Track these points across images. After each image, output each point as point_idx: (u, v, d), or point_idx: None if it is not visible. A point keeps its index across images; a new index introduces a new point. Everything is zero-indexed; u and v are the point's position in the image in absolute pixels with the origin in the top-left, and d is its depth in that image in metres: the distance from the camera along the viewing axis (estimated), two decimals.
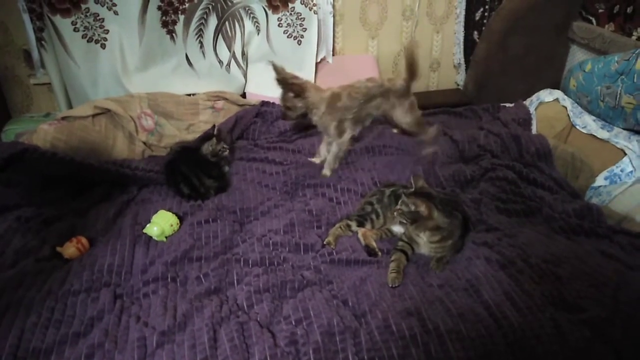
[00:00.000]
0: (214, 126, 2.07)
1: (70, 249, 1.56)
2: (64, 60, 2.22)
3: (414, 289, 1.42)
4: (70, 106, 2.36)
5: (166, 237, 1.65)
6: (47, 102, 2.51)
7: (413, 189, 1.59)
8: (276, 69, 1.80)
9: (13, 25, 2.30)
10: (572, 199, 1.81)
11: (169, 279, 1.47)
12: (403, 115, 2.00)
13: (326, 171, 1.97)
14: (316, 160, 2.05)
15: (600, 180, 1.86)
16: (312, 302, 1.36)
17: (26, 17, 2.18)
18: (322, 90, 1.87)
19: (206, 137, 2.02)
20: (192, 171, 1.84)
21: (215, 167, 1.95)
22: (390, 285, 1.44)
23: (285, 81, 1.80)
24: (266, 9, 2.40)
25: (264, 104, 2.41)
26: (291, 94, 1.82)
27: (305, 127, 2.17)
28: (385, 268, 1.51)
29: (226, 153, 2.02)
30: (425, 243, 1.56)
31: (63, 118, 1.99)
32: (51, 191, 1.79)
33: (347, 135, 1.93)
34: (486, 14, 2.73)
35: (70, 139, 1.92)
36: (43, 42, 2.22)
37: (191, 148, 1.98)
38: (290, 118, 1.91)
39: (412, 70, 1.93)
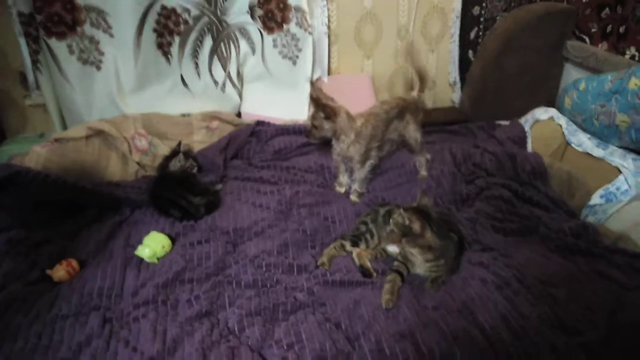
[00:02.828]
0: (179, 143, 2.07)
1: (59, 272, 1.54)
2: (59, 82, 2.23)
3: (409, 311, 1.39)
4: (65, 127, 2.36)
5: (158, 259, 1.63)
6: (41, 122, 2.51)
7: (415, 204, 1.57)
8: (313, 87, 1.80)
9: (9, 48, 2.30)
10: (568, 217, 1.79)
11: (160, 302, 1.45)
12: (414, 131, 2.02)
13: (355, 198, 1.96)
14: (340, 189, 2.02)
15: (596, 199, 1.84)
16: (305, 325, 1.34)
17: (22, 41, 2.19)
18: (353, 119, 1.84)
19: (172, 154, 2.03)
20: (176, 193, 1.83)
21: (197, 183, 1.94)
22: (384, 308, 1.41)
23: (319, 101, 1.77)
24: (261, 30, 2.42)
25: (259, 123, 2.41)
26: (322, 115, 1.79)
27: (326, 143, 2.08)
28: (379, 289, 1.49)
29: (195, 170, 2.01)
30: (420, 262, 1.54)
31: (56, 140, 1.99)
32: (42, 213, 1.77)
33: (368, 164, 1.94)
34: (480, 33, 2.75)
35: (63, 161, 1.92)
36: (38, 65, 2.23)
37: (165, 171, 1.99)
38: (314, 138, 1.87)
39: (421, 75, 2.00)
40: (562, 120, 2.21)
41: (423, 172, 2.09)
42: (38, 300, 1.43)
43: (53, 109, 2.32)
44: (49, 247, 1.65)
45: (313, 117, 1.81)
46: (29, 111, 2.49)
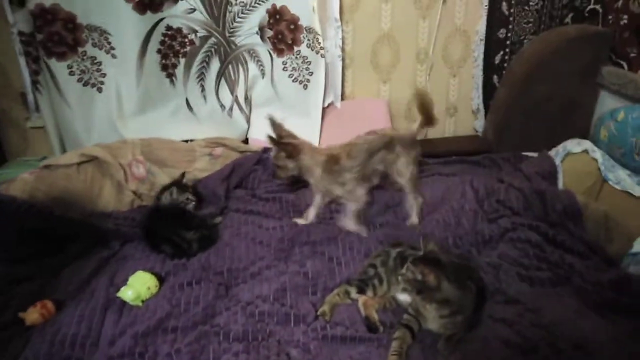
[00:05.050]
0: (182, 174, 1.97)
1: (33, 315, 1.40)
2: (59, 104, 2.15)
3: None
4: (65, 151, 2.26)
5: (142, 301, 1.48)
6: (43, 145, 2.42)
7: (421, 253, 1.39)
8: (274, 124, 1.73)
9: (11, 68, 2.24)
10: (607, 267, 1.57)
11: (137, 355, 1.29)
12: (405, 167, 1.85)
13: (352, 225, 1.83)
14: (302, 221, 1.89)
15: (639, 246, 1.61)
16: None
17: (22, 60, 2.12)
18: (318, 153, 1.77)
19: (172, 185, 1.91)
20: (169, 227, 1.69)
21: (194, 216, 1.81)
22: None
23: (278, 141, 1.72)
24: (271, 52, 2.29)
25: (267, 150, 2.26)
26: (283, 154, 1.72)
27: (296, 181, 2.01)
28: (386, 347, 1.31)
29: (191, 205, 1.88)
30: (433, 318, 1.35)
31: (45, 167, 1.88)
32: (26, 246, 1.64)
33: (359, 191, 1.78)
34: (507, 57, 2.57)
35: (51, 189, 1.79)
36: (38, 86, 2.15)
37: (160, 205, 1.87)
38: (280, 177, 1.84)
39: (428, 115, 1.87)
40: (598, 154, 1.99)
41: (414, 218, 1.90)
42: (5, 349, 1.29)
43: (53, 132, 2.24)
44: (27, 285, 1.52)
45: (275, 157, 1.76)
46: (31, 133, 2.42)
